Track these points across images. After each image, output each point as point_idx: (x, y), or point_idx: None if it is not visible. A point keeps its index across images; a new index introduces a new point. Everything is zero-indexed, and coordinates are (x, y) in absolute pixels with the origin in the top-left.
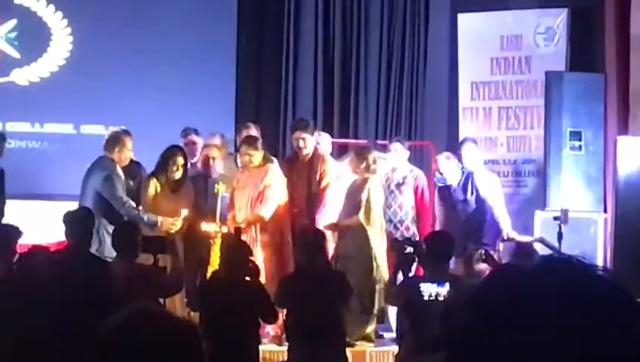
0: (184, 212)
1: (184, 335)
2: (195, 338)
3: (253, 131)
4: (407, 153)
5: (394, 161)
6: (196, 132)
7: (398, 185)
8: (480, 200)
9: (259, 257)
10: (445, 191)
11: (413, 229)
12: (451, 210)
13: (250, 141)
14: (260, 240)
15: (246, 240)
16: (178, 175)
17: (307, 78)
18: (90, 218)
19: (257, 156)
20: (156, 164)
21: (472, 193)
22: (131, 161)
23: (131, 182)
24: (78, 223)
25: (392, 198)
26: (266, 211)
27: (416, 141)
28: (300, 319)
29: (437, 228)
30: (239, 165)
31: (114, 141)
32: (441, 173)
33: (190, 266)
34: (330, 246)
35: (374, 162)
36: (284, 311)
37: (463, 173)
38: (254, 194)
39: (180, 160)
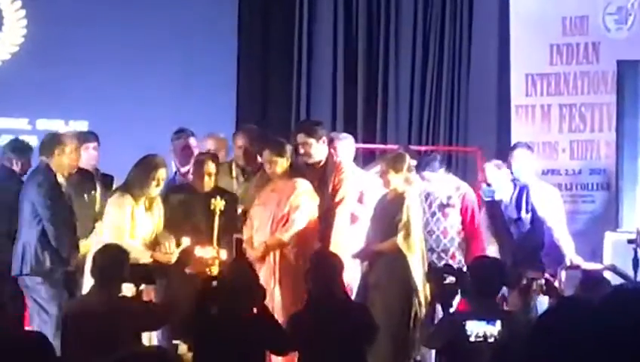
0: (186, 241)
1: None
2: None
3: (240, 140)
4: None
5: (437, 179)
6: (192, 135)
7: (442, 207)
8: (537, 220)
9: (276, 289)
10: (495, 208)
11: (460, 258)
12: (502, 231)
13: (275, 145)
14: (279, 268)
15: (264, 268)
16: (157, 191)
17: (325, 73)
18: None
19: (283, 164)
20: (131, 176)
21: (527, 211)
22: (83, 170)
23: (86, 196)
24: None
25: (435, 222)
26: (287, 235)
27: (459, 146)
28: (317, 360)
29: (484, 252)
30: (234, 174)
31: (50, 143)
32: (489, 185)
33: (179, 297)
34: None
35: (410, 171)
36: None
37: (516, 185)
38: (277, 214)
39: (162, 174)
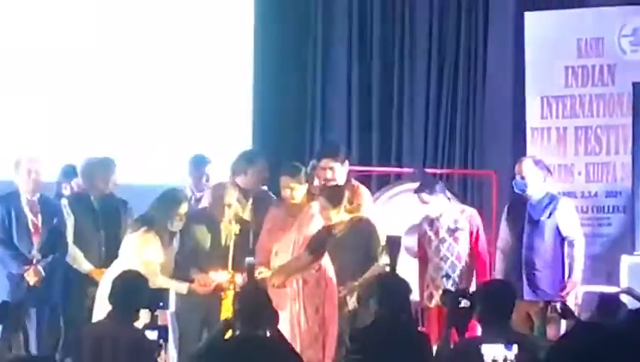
0: (250, 261)
1: None
2: None
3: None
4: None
5: (437, 204)
6: (209, 162)
7: (451, 231)
8: (557, 233)
9: (301, 315)
10: (520, 202)
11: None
12: (518, 239)
13: (293, 171)
14: (303, 295)
15: (286, 293)
16: (179, 226)
17: (339, 96)
18: None
19: (301, 190)
20: (154, 211)
21: (548, 216)
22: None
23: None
24: None
25: (448, 248)
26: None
27: (475, 169)
28: None
29: (487, 274)
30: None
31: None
32: (522, 178)
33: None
34: None
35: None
36: None
37: (547, 193)
38: (298, 239)
39: (185, 208)
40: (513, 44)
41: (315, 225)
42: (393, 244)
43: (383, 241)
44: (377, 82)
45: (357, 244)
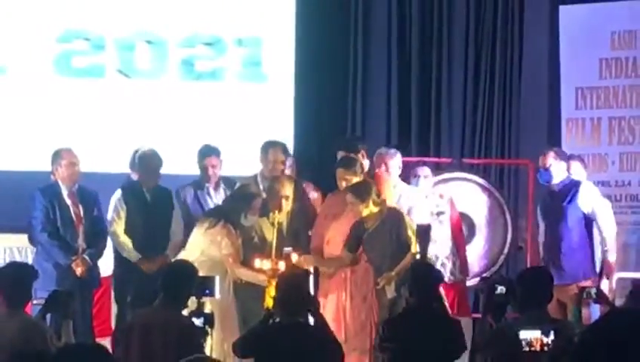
0: (289, 251)
1: None
2: None
3: (281, 155)
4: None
5: (425, 188)
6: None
7: (435, 215)
8: (581, 217)
9: (347, 303)
10: (545, 195)
11: (450, 265)
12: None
13: (348, 163)
14: (351, 282)
15: (336, 282)
16: (253, 221)
17: (379, 87)
18: None
19: (356, 180)
20: (229, 206)
21: (570, 201)
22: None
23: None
24: None
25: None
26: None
27: (511, 159)
28: None
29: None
30: (261, 187)
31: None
32: (546, 169)
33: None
34: None
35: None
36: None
37: (570, 179)
38: (348, 229)
39: (259, 203)
40: (548, 36)
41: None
42: (423, 233)
43: (413, 228)
44: (416, 75)
45: (389, 235)
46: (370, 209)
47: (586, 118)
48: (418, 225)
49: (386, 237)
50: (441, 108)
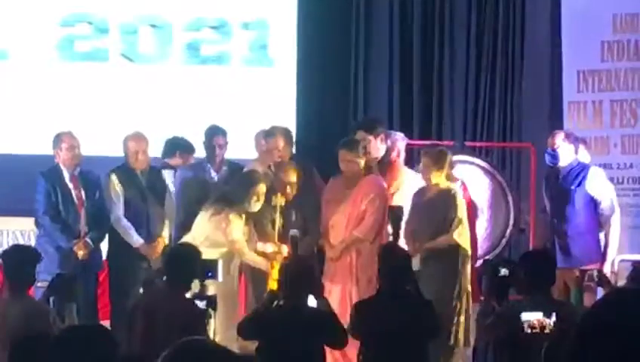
0: (294, 233)
1: None
2: None
3: (281, 141)
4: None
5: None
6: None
7: None
8: (588, 201)
9: (353, 288)
10: (552, 177)
11: None
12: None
13: (351, 145)
14: (356, 265)
15: (341, 266)
16: (257, 207)
17: (381, 71)
18: None
19: (359, 162)
20: (232, 191)
21: (578, 185)
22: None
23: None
24: None
25: None
26: (365, 231)
27: (513, 142)
28: (377, 352)
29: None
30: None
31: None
32: (554, 151)
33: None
34: None
35: (452, 167)
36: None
37: (578, 161)
38: (354, 212)
39: (263, 189)
40: (550, 19)
41: (371, 200)
42: (396, 215)
43: (460, 217)
44: (418, 58)
45: (436, 212)
46: (439, 178)
47: (587, 101)
48: (390, 207)
49: (433, 212)
50: (444, 91)
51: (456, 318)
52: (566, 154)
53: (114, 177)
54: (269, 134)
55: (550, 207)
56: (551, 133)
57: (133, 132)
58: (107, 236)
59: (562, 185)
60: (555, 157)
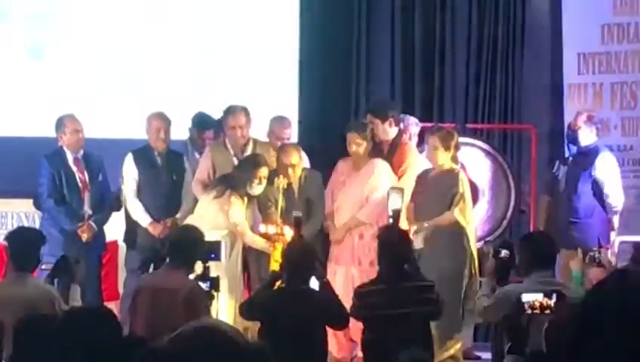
0: (298, 214)
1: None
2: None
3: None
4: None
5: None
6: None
7: None
8: (596, 185)
9: (354, 269)
10: (563, 158)
11: None
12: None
13: (359, 127)
14: (358, 248)
15: (345, 249)
16: (260, 190)
17: (383, 53)
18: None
19: (366, 145)
20: (234, 174)
21: (588, 168)
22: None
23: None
24: None
25: None
26: (368, 214)
27: (514, 124)
28: (378, 334)
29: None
30: (232, 153)
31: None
32: (574, 131)
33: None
34: None
35: (458, 149)
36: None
37: (595, 145)
38: (358, 195)
39: (265, 172)
40: (550, 2)
41: (377, 183)
42: (395, 196)
43: (462, 192)
44: (419, 41)
45: (440, 191)
46: (445, 159)
47: (588, 84)
48: (391, 188)
49: (437, 191)
50: (445, 74)
51: (471, 291)
52: (586, 135)
53: (129, 157)
54: (228, 111)
55: (557, 188)
56: (578, 112)
57: (157, 111)
58: (124, 216)
59: (573, 167)
60: (574, 137)
